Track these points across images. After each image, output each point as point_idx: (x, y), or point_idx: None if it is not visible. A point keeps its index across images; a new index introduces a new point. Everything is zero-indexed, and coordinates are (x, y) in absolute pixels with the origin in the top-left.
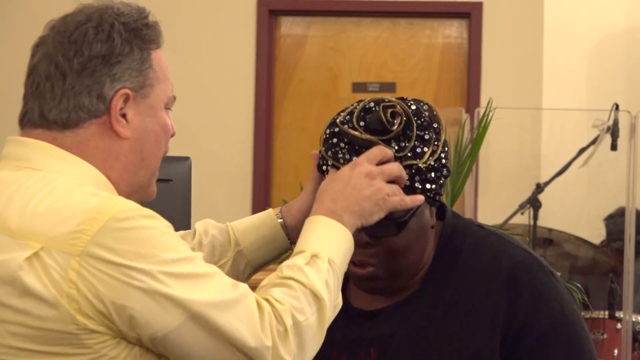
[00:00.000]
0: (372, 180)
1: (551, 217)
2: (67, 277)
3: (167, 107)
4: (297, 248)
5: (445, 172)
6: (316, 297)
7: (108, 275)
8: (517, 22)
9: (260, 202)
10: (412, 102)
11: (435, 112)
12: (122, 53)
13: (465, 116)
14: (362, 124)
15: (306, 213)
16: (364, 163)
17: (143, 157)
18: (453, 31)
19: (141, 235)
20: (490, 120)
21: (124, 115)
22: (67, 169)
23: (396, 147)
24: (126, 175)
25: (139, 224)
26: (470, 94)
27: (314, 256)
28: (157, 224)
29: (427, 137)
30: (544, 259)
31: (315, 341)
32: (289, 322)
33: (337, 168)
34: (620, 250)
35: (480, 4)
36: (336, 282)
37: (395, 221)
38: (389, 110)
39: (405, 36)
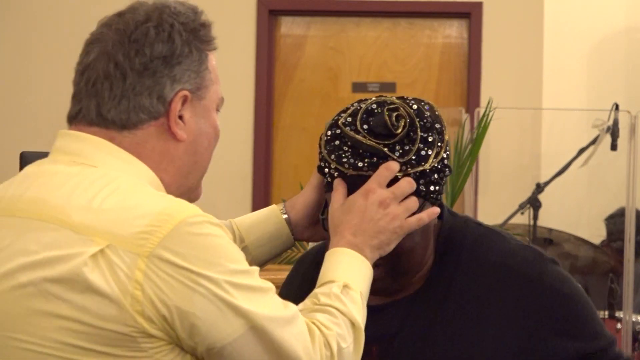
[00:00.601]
0: (386, 210)
1: (551, 217)
2: (133, 278)
3: (218, 109)
4: (324, 277)
5: (447, 171)
6: (354, 326)
7: (174, 279)
8: (517, 22)
9: (260, 202)
10: (413, 102)
11: (437, 112)
12: (182, 54)
13: (465, 116)
14: (365, 127)
15: (311, 208)
16: (376, 190)
17: (196, 159)
18: (453, 31)
19: (210, 243)
20: (490, 120)
21: (181, 117)
22: (125, 167)
23: (400, 151)
24: (178, 178)
25: (208, 230)
26: (470, 94)
27: (346, 286)
28: (223, 233)
29: (430, 139)
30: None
31: None
32: (335, 347)
33: (341, 172)
34: (620, 250)
35: (480, 4)
36: (365, 314)
37: None
38: (394, 114)
39: (405, 36)
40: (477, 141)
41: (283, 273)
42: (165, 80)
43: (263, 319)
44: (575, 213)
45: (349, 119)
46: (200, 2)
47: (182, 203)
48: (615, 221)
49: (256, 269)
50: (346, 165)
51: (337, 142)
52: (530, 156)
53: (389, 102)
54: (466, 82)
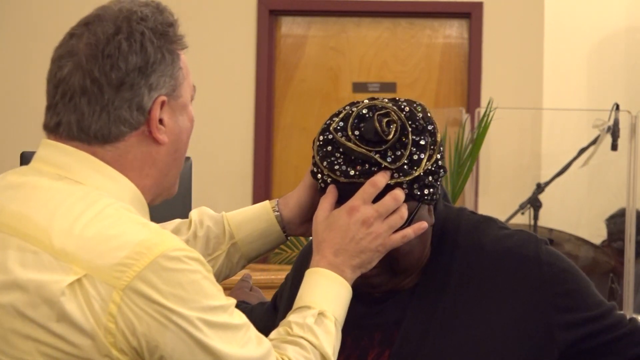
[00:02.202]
0: (369, 229)
1: (551, 217)
2: (107, 310)
3: (192, 99)
4: (301, 300)
5: (442, 172)
6: (324, 359)
7: (147, 313)
8: (517, 22)
9: (261, 201)
10: (405, 104)
11: (428, 114)
12: (156, 61)
13: (465, 116)
14: (357, 133)
15: (304, 207)
16: (360, 207)
17: (176, 156)
18: (453, 31)
19: (186, 278)
20: (491, 120)
21: (160, 121)
22: (109, 185)
23: (392, 157)
24: (160, 178)
25: (185, 266)
26: (471, 94)
27: (321, 314)
28: (201, 268)
29: (422, 142)
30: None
31: None
32: None
33: (333, 179)
34: (620, 250)
35: (480, 4)
36: (339, 343)
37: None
38: (384, 120)
39: (406, 36)
40: (477, 141)
41: (282, 273)
42: (143, 91)
43: (232, 359)
44: (576, 213)
45: (341, 124)
46: (201, 2)
47: (162, 235)
48: (615, 221)
49: (233, 303)
50: (338, 173)
51: (329, 148)
52: (531, 156)
53: (379, 106)
54: (466, 82)
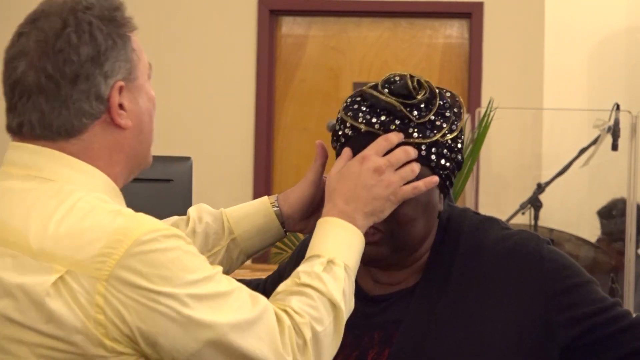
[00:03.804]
0: (381, 176)
1: (552, 217)
2: (94, 302)
3: (149, 77)
4: (311, 250)
5: (459, 158)
6: (334, 306)
7: (134, 300)
8: (518, 22)
9: None
10: (435, 86)
11: (457, 99)
12: (108, 48)
13: (466, 116)
14: (386, 89)
15: (305, 203)
16: (372, 157)
17: (142, 138)
18: (454, 31)
19: (165, 258)
20: (491, 120)
21: (121, 106)
22: (80, 178)
23: (417, 115)
24: (129, 161)
25: (163, 245)
26: (471, 94)
27: (330, 262)
28: (180, 243)
29: (447, 114)
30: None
31: (332, 347)
32: (308, 334)
33: (355, 128)
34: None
35: (481, 4)
36: (351, 288)
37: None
38: (416, 79)
39: (406, 36)
40: (478, 141)
41: None
42: (99, 80)
43: (226, 327)
44: (576, 213)
45: (372, 85)
46: (201, 2)
47: (137, 219)
48: (616, 221)
49: (218, 269)
50: (360, 120)
51: (355, 106)
52: (531, 156)
53: (411, 75)
54: (467, 82)
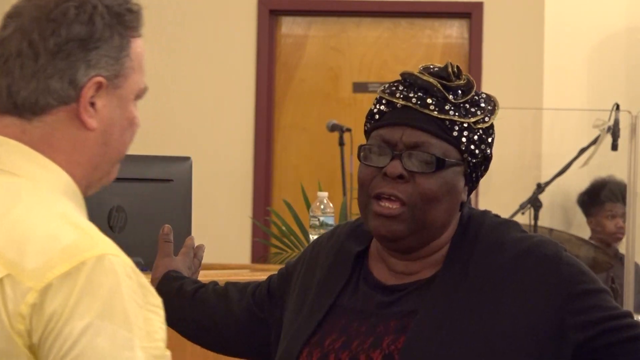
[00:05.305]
0: None
1: (552, 217)
2: (18, 311)
3: (137, 98)
4: None
5: (488, 153)
6: None
7: (56, 320)
8: (517, 22)
9: (261, 202)
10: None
11: (492, 98)
12: (102, 38)
13: None
14: (427, 70)
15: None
16: None
17: (106, 150)
18: (454, 31)
19: (104, 290)
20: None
21: (93, 105)
22: (43, 174)
23: (453, 97)
24: (89, 170)
25: (107, 276)
26: None
27: None
28: (128, 277)
29: (482, 104)
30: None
31: None
32: None
33: (391, 104)
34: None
35: (480, 4)
36: None
37: (434, 157)
38: (456, 65)
39: (406, 36)
40: None
41: None
42: (80, 64)
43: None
44: (576, 213)
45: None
46: (201, 2)
47: (89, 240)
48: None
49: (159, 303)
50: (397, 95)
51: (393, 87)
52: (531, 156)
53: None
54: None
